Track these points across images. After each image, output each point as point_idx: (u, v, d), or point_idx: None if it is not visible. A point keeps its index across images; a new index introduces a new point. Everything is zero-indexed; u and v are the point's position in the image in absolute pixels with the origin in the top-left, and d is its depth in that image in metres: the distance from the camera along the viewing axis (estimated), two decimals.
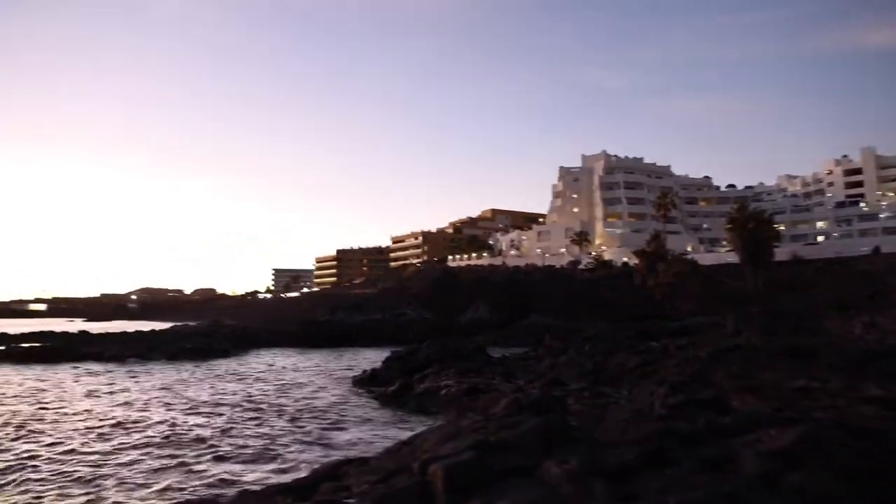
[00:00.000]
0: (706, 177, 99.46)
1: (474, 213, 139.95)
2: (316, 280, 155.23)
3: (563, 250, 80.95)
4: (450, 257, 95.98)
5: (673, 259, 48.58)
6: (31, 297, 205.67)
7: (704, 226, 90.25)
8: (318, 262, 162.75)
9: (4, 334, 45.57)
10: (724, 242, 65.86)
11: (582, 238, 79.09)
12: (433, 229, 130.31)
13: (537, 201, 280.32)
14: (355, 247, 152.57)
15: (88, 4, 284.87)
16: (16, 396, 19.61)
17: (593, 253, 74.44)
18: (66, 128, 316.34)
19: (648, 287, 47.02)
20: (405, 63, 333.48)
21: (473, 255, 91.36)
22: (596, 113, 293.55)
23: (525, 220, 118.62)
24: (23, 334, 45.65)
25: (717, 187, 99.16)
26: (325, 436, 13.40)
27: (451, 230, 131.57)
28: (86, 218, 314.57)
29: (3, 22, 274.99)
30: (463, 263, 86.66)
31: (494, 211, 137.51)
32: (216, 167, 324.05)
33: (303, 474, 8.83)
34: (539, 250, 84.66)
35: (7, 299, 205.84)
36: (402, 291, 66.46)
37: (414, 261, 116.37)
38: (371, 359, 28.66)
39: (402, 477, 6.57)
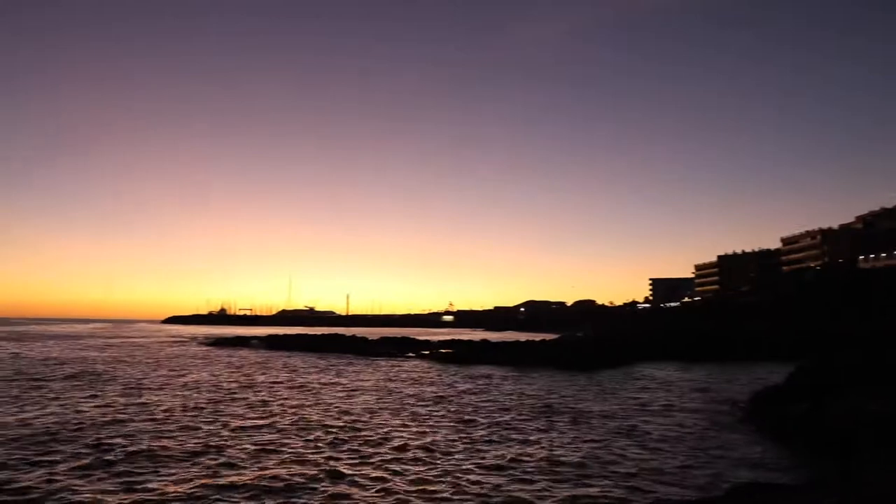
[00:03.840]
0: None
1: (889, 203, 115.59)
2: (697, 289, 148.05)
3: None
4: (860, 257, 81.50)
5: None
6: (443, 310, 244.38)
7: None
8: (697, 270, 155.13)
9: (428, 341, 56.03)
10: None
11: None
12: (834, 226, 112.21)
13: None
14: (739, 251, 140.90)
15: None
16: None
17: None
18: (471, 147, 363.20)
19: None
20: None
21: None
22: None
23: None
24: (440, 341, 55.88)
25: None
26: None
27: (859, 224, 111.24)
28: (483, 238, 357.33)
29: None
30: (881, 263, 72.66)
31: None
32: (595, 180, 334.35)
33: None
34: None
35: (425, 312, 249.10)
36: (799, 299, 58.55)
37: (811, 263, 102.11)
38: (762, 376, 25.55)
39: None
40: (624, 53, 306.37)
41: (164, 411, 17.65)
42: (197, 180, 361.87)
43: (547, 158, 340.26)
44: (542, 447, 13.21)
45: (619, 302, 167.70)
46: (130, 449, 12.56)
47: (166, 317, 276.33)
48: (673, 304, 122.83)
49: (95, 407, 18.35)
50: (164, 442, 13.36)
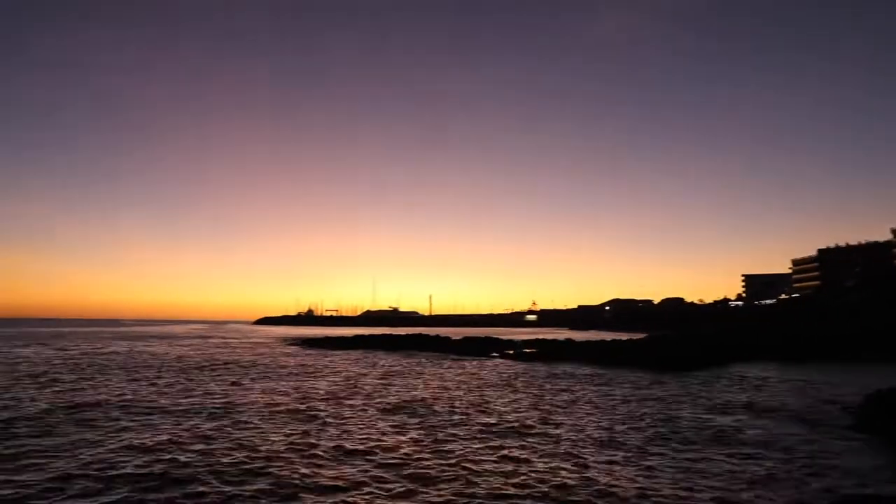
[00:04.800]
0: None
1: None
2: (794, 285, 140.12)
3: None
4: None
5: None
6: (526, 310, 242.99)
7: None
8: (795, 265, 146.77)
9: (512, 341, 55.79)
10: None
11: None
12: None
13: None
14: (842, 244, 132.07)
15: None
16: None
17: None
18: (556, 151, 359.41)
19: None
20: None
21: None
22: None
23: None
24: (524, 341, 55.67)
25: None
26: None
27: None
28: (567, 237, 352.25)
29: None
30: None
31: None
32: (682, 173, 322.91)
33: None
34: None
35: (508, 311, 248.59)
36: None
37: None
38: (871, 379, 23.79)
39: None
40: (712, 41, 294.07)
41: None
42: (286, 192, 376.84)
43: (629, 154, 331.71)
44: (636, 454, 12.95)
45: (709, 299, 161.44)
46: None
47: (257, 318, 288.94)
48: (768, 302, 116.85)
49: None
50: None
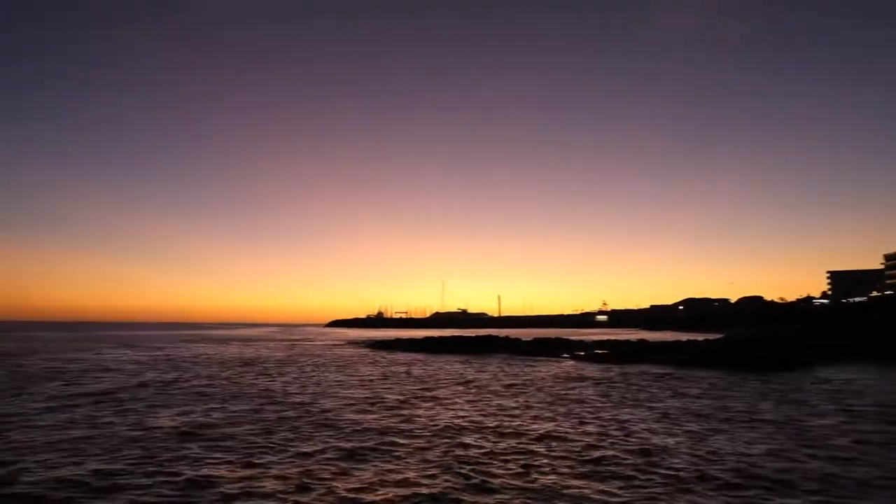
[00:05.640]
0: None
1: None
2: (887, 282, 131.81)
3: None
4: None
5: None
6: (596, 310, 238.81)
7: None
8: (887, 260, 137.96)
9: (582, 342, 55.08)
10: None
11: None
12: None
13: None
14: None
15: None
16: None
17: None
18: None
19: None
20: None
21: None
22: None
23: None
24: (595, 342, 54.58)
25: None
26: None
27: None
28: (637, 234, 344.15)
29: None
30: None
31: None
32: (760, 163, 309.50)
33: None
34: None
35: (577, 312, 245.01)
36: None
37: None
38: None
39: None
40: (788, 29, 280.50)
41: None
42: (356, 198, 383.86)
43: (704, 149, 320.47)
44: (732, 453, 12.46)
45: (790, 297, 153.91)
46: None
47: (329, 321, 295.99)
48: (858, 299, 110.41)
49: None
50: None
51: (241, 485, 9.97)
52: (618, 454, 12.19)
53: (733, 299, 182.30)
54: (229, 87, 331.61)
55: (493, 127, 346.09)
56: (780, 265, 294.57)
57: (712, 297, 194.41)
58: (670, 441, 13.45)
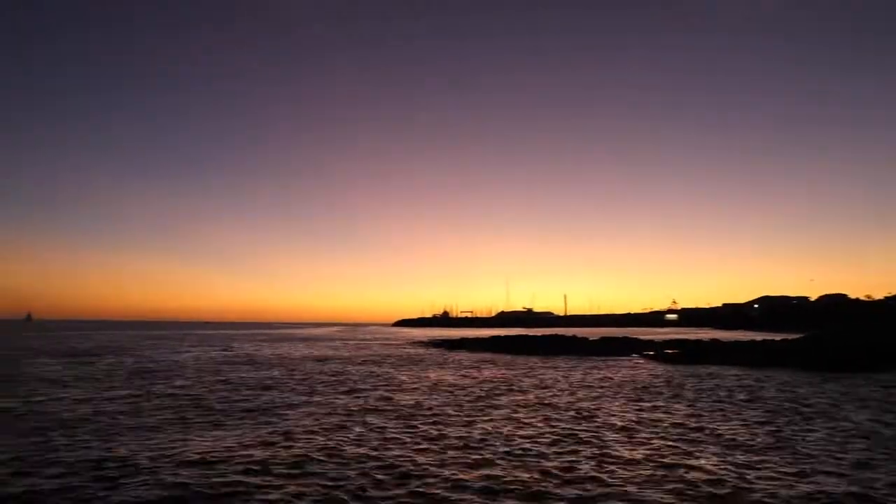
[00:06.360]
0: None
1: None
2: None
3: None
4: None
5: None
6: (665, 309, 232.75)
7: None
8: None
9: (652, 341, 53.87)
10: None
11: None
12: None
13: None
14: None
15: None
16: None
17: None
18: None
19: None
20: None
21: None
22: None
23: None
24: (664, 341, 53.09)
25: None
26: None
27: None
28: (707, 229, 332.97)
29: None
30: None
31: None
32: (840, 145, 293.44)
33: None
34: None
35: (647, 311, 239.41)
36: None
37: None
38: None
39: None
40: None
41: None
42: (420, 197, 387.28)
43: (778, 136, 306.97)
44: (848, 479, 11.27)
45: (878, 295, 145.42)
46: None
47: (395, 320, 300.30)
48: None
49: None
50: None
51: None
52: None
53: (813, 297, 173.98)
54: (294, 90, 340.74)
55: (557, 123, 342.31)
56: (867, 260, 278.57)
57: (790, 294, 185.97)
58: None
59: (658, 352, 44.27)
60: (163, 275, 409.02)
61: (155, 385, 23.93)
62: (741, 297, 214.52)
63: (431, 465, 11.14)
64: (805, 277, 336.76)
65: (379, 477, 10.29)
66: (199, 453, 11.79)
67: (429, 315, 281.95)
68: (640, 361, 39.53)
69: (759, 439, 13.40)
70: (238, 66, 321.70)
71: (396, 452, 12.12)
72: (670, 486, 9.71)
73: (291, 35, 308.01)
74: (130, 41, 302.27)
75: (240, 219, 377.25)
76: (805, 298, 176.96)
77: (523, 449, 12.47)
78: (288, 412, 17.17)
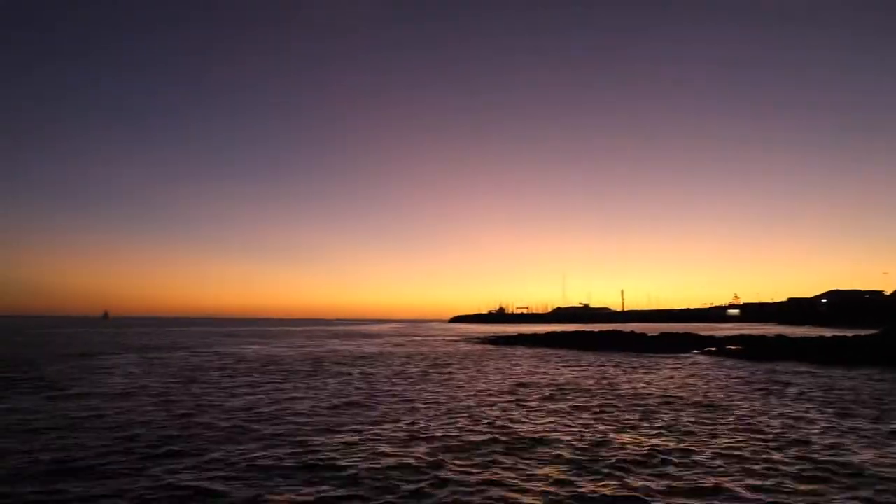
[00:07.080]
0: None
1: None
2: None
3: None
4: None
5: None
6: (727, 304, 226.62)
7: None
8: None
9: (713, 337, 53.26)
10: None
11: None
12: None
13: None
14: None
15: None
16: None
17: None
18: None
19: None
20: None
21: None
22: None
23: None
24: (727, 337, 52.08)
25: None
26: None
27: None
28: (771, 221, 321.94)
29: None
30: None
31: None
32: None
33: None
34: None
35: (707, 306, 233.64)
36: None
37: None
38: None
39: None
40: None
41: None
42: (477, 194, 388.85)
43: (847, 124, 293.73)
44: None
45: None
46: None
47: (451, 316, 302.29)
48: None
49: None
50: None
51: None
52: None
53: (888, 291, 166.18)
54: (358, 91, 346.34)
55: (615, 120, 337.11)
56: None
57: (862, 288, 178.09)
58: None
59: (720, 348, 43.98)
60: (238, 274, 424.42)
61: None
62: (807, 291, 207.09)
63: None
64: (878, 271, 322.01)
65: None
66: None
67: (484, 311, 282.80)
68: (702, 358, 39.11)
69: None
70: (316, 75, 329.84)
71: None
72: None
73: (365, 40, 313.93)
74: (195, 42, 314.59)
75: (308, 221, 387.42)
76: (879, 292, 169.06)
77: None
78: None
